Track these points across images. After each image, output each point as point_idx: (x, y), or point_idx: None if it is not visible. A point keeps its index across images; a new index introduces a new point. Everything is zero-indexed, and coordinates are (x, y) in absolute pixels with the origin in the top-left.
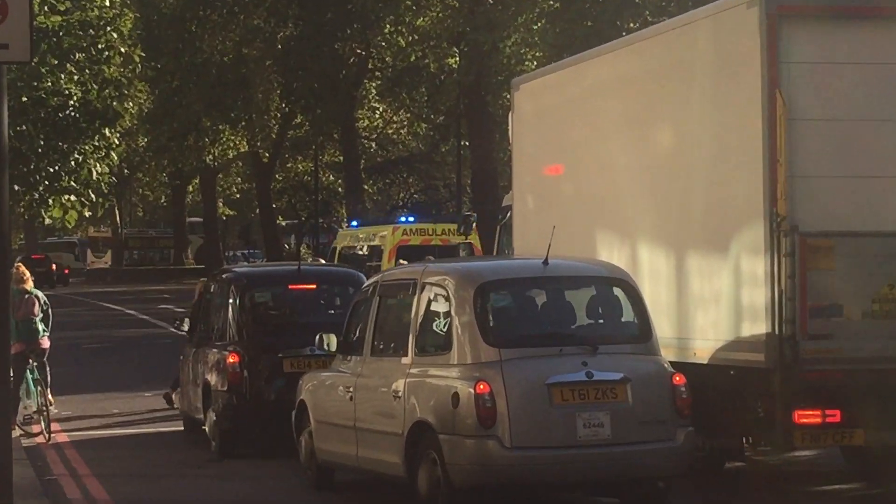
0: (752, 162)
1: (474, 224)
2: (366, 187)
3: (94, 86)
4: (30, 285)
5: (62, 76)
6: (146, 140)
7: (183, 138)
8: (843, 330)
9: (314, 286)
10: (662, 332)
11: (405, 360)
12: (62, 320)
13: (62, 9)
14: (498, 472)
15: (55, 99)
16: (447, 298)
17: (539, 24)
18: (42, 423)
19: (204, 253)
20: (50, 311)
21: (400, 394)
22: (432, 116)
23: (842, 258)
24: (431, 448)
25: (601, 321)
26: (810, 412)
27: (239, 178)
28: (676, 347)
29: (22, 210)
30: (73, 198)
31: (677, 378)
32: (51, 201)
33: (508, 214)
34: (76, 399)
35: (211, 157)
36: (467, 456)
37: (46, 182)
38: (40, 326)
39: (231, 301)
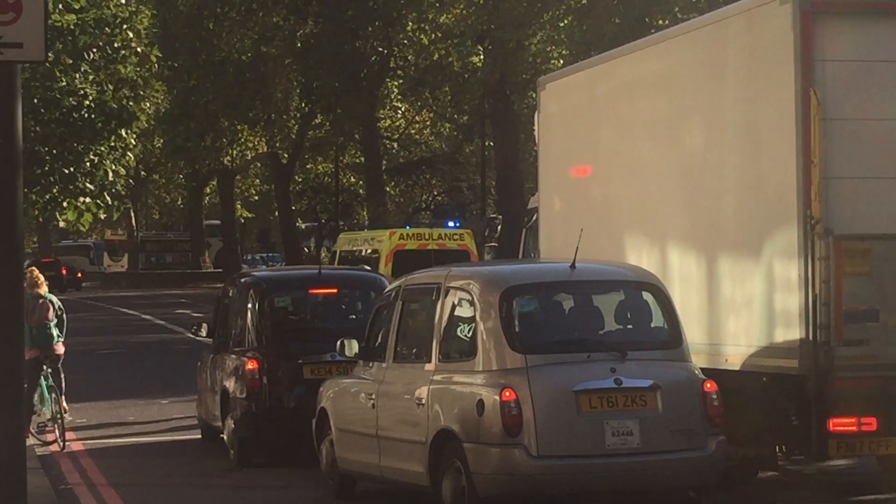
0: (786, 163)
1: (499, 227)
2: (387, 189)
3: (110, 85)
4: (44, 290)
5: (77, 76)
6: (162, 141)
7: (200, 139)
8: (879, 335)
9: (335, 290)
10: (693, 338)
11: (428, 367)
12: (77, 325)
13: (77, 7)
14: (524, 482)
15: (70, 99)
16: (472, 303)
17: (566, 22)
18: (56, 430)
19: (223, 257)
20: (64, 316)
21: (423, 401)
22: (456, 116)
23: (878, 261)
24: (456, 457)
25: (630, 326)
26: (845, 420)
27: (257, 180)
28: (707, 353)
29: (36, 213)
30: (87, 200)
31: (708, 385)
32: (65, 204)
33: (534, 217)
34: (91, 406)
35: (229, 158)
36: (493, 465)
37: (61, 184)
38: (55, 332)
39: (250, 306)
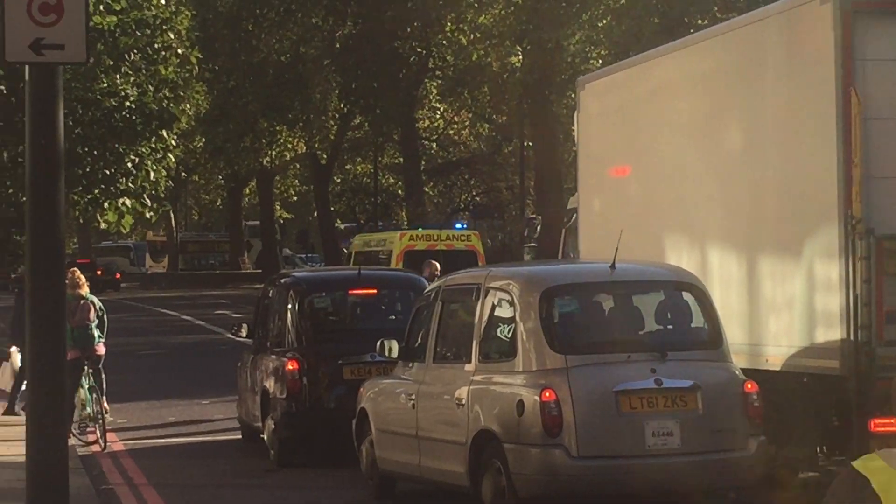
0: (826, 162)
1: (539, 227)
2: (426, 189)
3: (151, 87)
4: (85, 291)
5: (118, 77)
6: (202, 141)
7: (239, 139)
8: None
9: (375, 291)
10: (733, 338)
11: (468, 367)
12: (117, 326)
13: (118, 8)
14: (564, 482)
15: (111, 100)
16: (511, 303)
17: (604, 22)
18: (98, 431)
19: (264, 257)
20: (105, 317)
21: (463, 401)
22: (494, 116)
23: None
24: (496, 457)
25: (670, 327)
26: (887, 421)
27: (296, 181)
28: (748, 354)
29: (77, 214)
30: (128, 201)
31: (749, 385)
32: (106, 205)
33: (574, 217)
34: (132, 406)
35: (268, 158)
36: (533, 465)
37: (102, 185)
38: (96, 333)
39: (290, 306)
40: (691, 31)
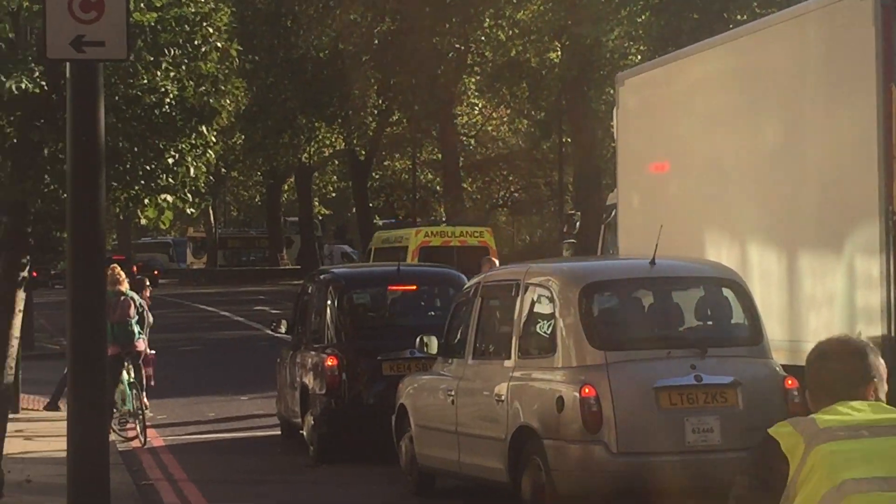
0: (867, 158)
1: (577, 223)
2: (465, 185)
3: (191, 82)
4: (125, 287)
5: (158, 73)
6: (242, 138)
7: (278, 136)
8: None
9: (414, 287)
10: (773, 335)
11: (508, 363)
12: (156, 322)
13: (158, 5)
14: (604, 479)
15: (151, 96)
16: (551, 299)
17: (643, 17)
18: (137, 426)
19: (304, 253)
20: (145, 313)
21: (503, 398)
22: (533, 112)
23: None
24: (535, 453)
25: (710, 323)
26: None
27: (335, 177)
28: (788, 350)
29: (117, 210)
30: (168, 197)
31: (789, 382)
32: (146, 201)
33: (613, 213)
34: (171, 402)
35: (306, 155)
36: (572, 462)
37: (142, 181)
38: (136, 329)
39: (329, 302)
40: (730, 26)
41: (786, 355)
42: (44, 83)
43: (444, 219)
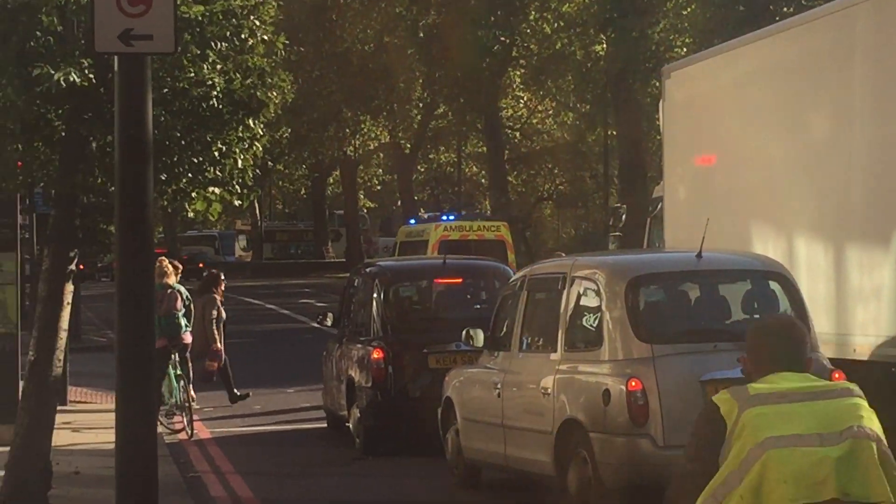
0: None
1: (623, 216)
2: (510, 178)
3: (237, 75)
4: (173, 280)
5: (205, 66)
6: (289, 131)
7: (323, 129)
8: None
9: (460, 280)
10: (820, 328)
11: (554, 356)
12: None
13: None
14: (650, 472)
15: (198, 89)
16: (597, 293)
17: (689, 10)
18: (184, 419)
19: (352, 246)
20: (192, 306)
21: (549, 391)
22: (578, 105)
23: None
24: (582, 446)
25: (757, 316)
26: None
27: (380, 170)
28: (835, 344)
29: (165, 202)
30: (216, 190)
31: (836, 375)
32: (194, 194)
33: (659, 206)
34: (218, 395)
35: (352, 148)
36: (619, 455)
37: (189, 174)
38: (183, 322)
39: (375, 295)
40: (777, 18)
41: (833, 349)
42: (92, 76)
43: (488, 212)
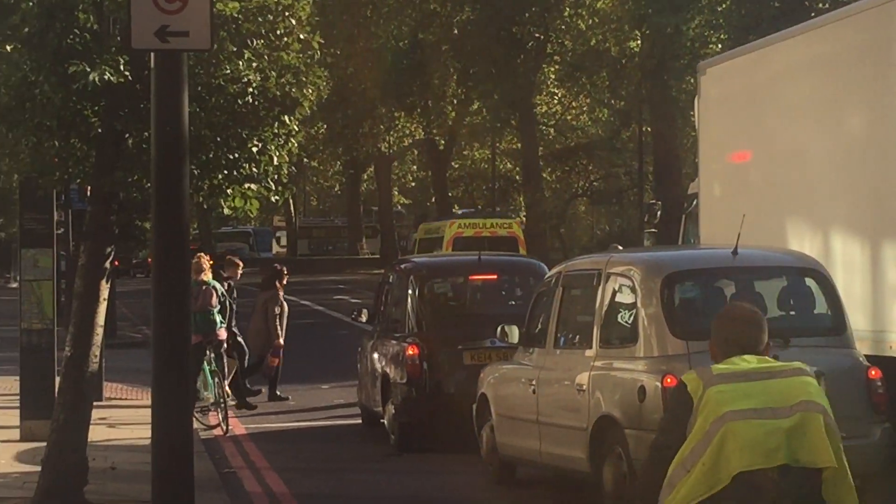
0: None
1: (658, 213)
2: (544, 175)
3: (273, 72)
4: (208, 276)
5: (241, 63)
6: (324, 127)
7: (358, 125)
8: None
9: (495, 276)
10: (857, 325)
11: (589, 353)
12: (237, 311)
13: None
14: None
15: (234, 86)
16: (633, 289)
17: (724, 6)
18: (219, 415)
19: (387, 243)
20: (227, 302)
21: (584, 387)
22: (613, 101)
23: None
24: (617, 443)
25: (793, 313)
26: None
27: (414, 166)
28: (871, 340)
29: (201, 199)
30: (253, 186)
31: (873, 372)
32: (230, 191)
33: (694, 202)
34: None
35: (386, 144)
36: None
37: (225, 171)
38: (218, 318)
39: (410, 291)
40: (812, 14)
41: (869, 345)
42: (127, 73)
43: (522, 208)
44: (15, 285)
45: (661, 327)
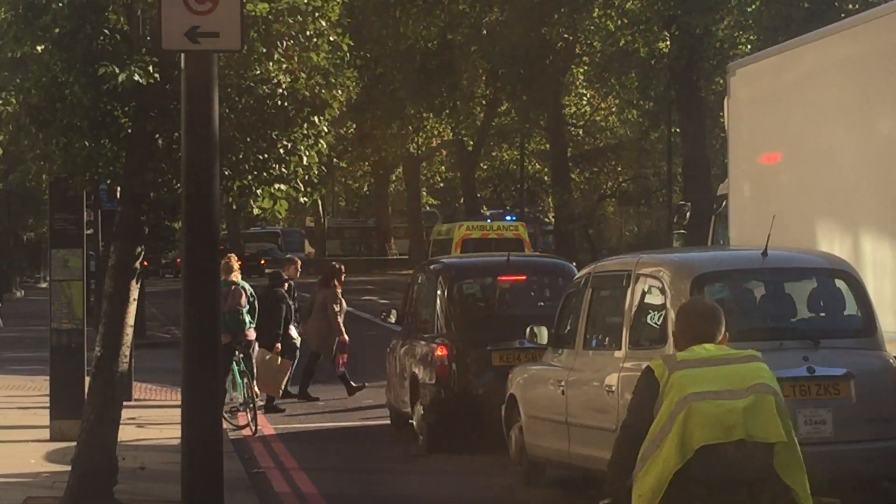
0: None
1: (687, 214)
2: (573, 176)
3: (303, 73)
4: (237, 277)
5: (270, 64)
6: (354, 127)
7: (386, 126)
8: None
9: (524, 277)
10: (887, 326)
11: (618, 354)
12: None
13: None
14: None
15: (263, 87)
16: (662, 290)
17: (754, 6)
18: (248, 415)
19: (415, 243)
20: (256, 302)
21: (613, 388)
22: (642, 103)
23: None
24: None
25: (823, 314)
26: None
27: (443, 167)
28: None
29: (230, 199)
30: (282, 187)
31: None
32: (259, 191)
33: (724, 204)
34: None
35: (415, 145)
36: None
37: (255, 171)
38: (247, 318)
39: (439, 292)
40: (842, 15)
41: None
42: (157, 74)
43: (551, 209)
44: (45, 285)
45: None
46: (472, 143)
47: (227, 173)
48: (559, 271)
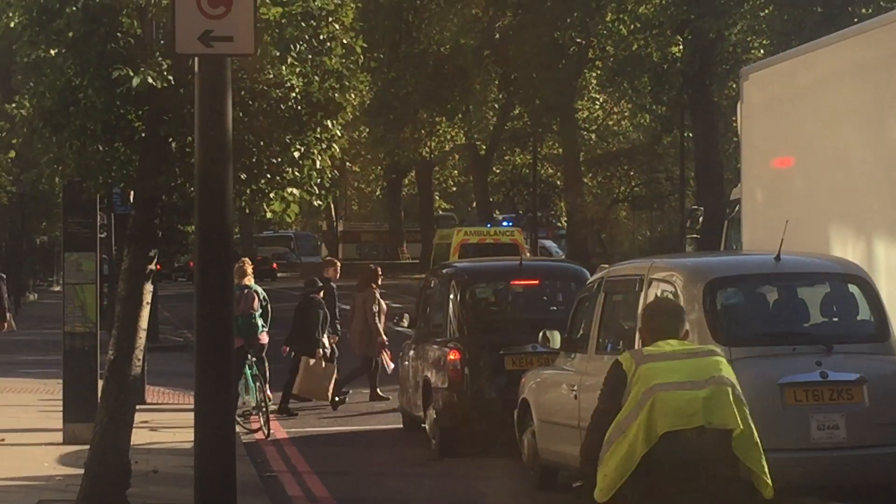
0: None
1: (700, 218)
2: (585, 180)
3: (316, 77)
4: (250, 280)
5: (284, 68)
6: (367, 131)
7: (399, 130)
8: None
9: (536, 282)
10: None
11: None
12: (278, 315)
13: None
14: None
15: (277, 91)
16: (675, 295)
17: (766, 11)
18: (261, 418)
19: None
20: (269, 306)
21: None
22: (654, 107)
23: None
24: None
25: (836, 319)
26: None
27: (455, 171)
28: None
29: (243, 203)
30: (295, 191)
31: None
32: (272, 195)
33: (737, 208)
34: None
35: (427, 149)
36: None
37: (268, 175)
38: (259, 322)
39: (451, 297)
40: (854, 20)
41: None
42: (170, 78)
43: (563, 214)
44: (58, 289)
45: (703, 333)
46: (484, 147)
47: (241, 177)
48: (572, 276)
